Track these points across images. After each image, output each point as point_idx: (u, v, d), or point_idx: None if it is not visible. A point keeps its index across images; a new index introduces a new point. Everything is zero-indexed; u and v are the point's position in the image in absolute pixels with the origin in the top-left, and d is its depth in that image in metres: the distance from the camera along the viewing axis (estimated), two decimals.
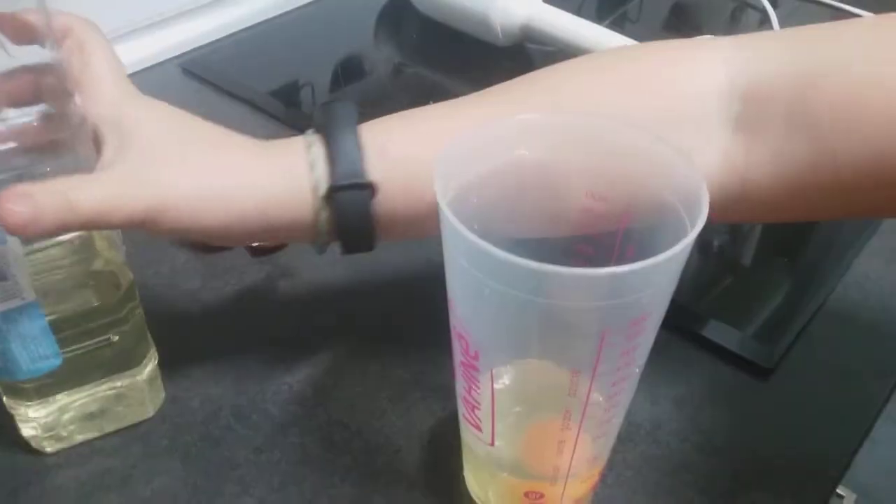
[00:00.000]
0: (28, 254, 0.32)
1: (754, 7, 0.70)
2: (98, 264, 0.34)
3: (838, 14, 0.71)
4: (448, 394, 0.33)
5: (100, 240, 0.34)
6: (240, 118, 0.57)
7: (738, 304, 0.44)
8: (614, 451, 0.34)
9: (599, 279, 0.25)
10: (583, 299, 0.26)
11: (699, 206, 0.26)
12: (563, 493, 0.32)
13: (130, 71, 0.61)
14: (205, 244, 0.46)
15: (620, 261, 0.25)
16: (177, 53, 0.63)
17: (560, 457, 0.30)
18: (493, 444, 0.31)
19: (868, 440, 0.39)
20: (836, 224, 0.50)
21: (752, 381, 0.40)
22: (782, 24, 0.66)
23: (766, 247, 0.48)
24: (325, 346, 0.42)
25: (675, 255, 0.25)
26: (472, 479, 0.35)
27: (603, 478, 0.35)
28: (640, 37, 0.58)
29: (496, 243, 0.25)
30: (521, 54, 0.64)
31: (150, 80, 0.61)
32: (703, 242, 0.48)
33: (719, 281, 0.46)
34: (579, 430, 0.29)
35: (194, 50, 0.64)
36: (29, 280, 0.32)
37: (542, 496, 0.32)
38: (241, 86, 0.60)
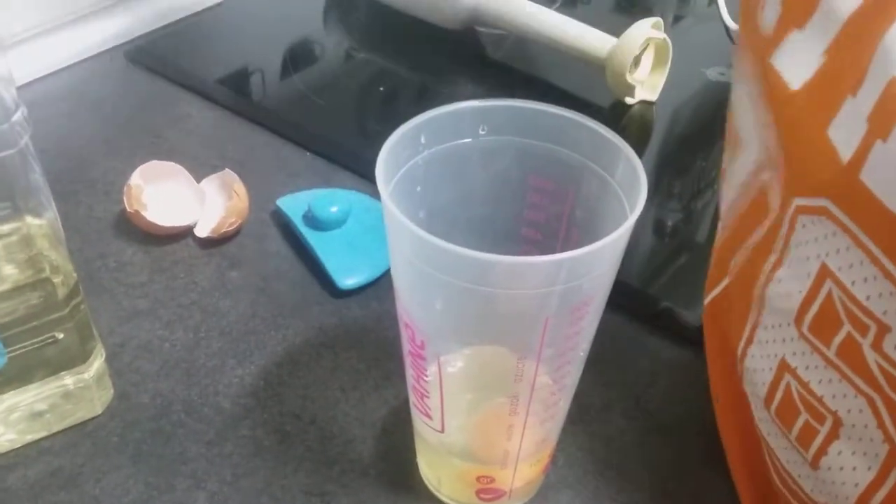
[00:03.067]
0: None
1: None
2: (40, 262, 0.34)
3: None
4: (401, 382, 0.33)
5: (41, 238, 0.34)
6: (188, 107, 0.56)
7: (693, 283, 0.44)
8: (565, 432, 0.34)
9: (540, 267, 0.25)
10: (524, 287, 0.26)
11: (638, 190, 0.26)
12: (513, 476, 0.32)
13: (74, 60, 0.60)
14: (152, 233, 0.45)
15: (566, 245, 0.25)
16: (121, 41, 0.62)
17: (509, 441, 0.31)
18: (443, 430, 0.31)
19: None
20: None
21: (703, 360, 0.41)
22: (730, 8, 0.67)
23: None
24: (277, 337, 0.41)
25: (614, 242, 0.25)
26: (425, 466, 0.35)
27: (554, 459, 0.35)
28: (591, 19, 0.58)
29: (442, 230, 0.25)
30: (471, 38, 0.64)
31: (94, 70, 0.60)
32: (657, 223, 0.48)
33: (673, 260, 0.46)
34: (527, 414, 0.30)
35: (140, 37, 0.62)
36: None
37: (493, 480, 0.32)
38: (188, 74, 0.59)
